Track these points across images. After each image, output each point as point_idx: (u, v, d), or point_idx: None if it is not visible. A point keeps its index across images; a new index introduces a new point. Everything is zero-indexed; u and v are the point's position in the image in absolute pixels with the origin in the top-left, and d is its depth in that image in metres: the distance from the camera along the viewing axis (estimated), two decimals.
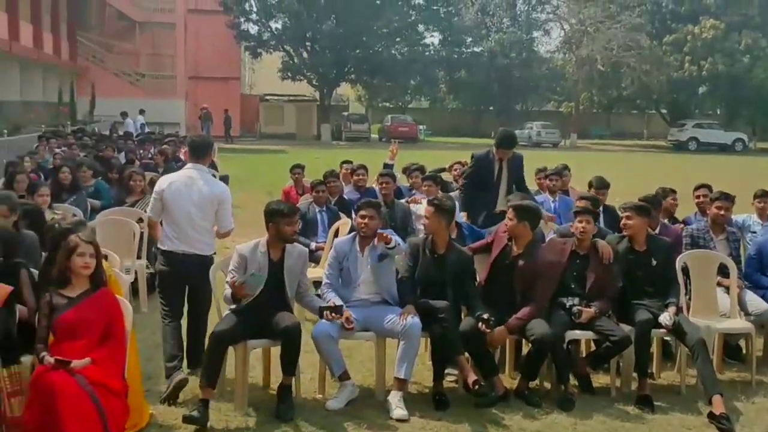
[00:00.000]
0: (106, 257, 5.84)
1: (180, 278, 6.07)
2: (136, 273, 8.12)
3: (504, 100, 55.91)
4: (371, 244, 6.01)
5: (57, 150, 14.75)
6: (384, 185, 8.95)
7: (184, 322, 6.20)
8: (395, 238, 5.98)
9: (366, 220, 6.01)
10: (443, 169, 11.24)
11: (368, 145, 43.13)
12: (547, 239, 6.95)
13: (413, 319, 5.72)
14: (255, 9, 47.48)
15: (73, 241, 4.85)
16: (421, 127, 51.39)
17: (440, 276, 6.05)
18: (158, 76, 41.30)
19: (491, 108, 58.52)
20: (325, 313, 5.65)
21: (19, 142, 18.24)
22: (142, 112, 31.00)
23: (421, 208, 8.95)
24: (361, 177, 10.10)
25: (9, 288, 4.58)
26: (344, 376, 5.78)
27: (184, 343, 6.03)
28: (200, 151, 6.25)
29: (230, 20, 45.64)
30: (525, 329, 5.86)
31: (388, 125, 49.83)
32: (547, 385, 6.17)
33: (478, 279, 6.26)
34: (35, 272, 5.24)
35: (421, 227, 8.65)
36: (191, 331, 6.25)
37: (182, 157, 16.05)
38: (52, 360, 4.45)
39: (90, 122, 30.43)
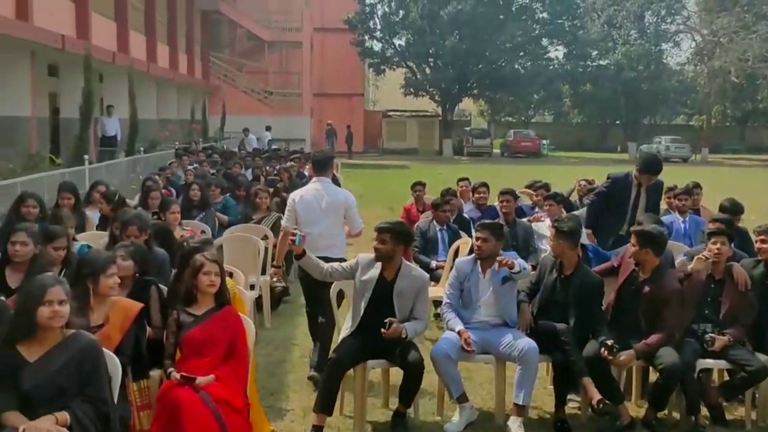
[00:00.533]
0: (230, 275, 6.01)
1: (315, 280, 6.27)
2: (260, 289, 8.31)
3: (631, 114, 54.41)
4: (493, 266, 5.89)
5: (189, 167, 15.31)
6: (504, 203, 8.80)
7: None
8: (519, 263, 5.85)
9: (479, 243, 5.91)
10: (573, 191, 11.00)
11: (490, 161, 42.92)
12: (677, 261, 6.66)
13: (530, 344, 5.59)
14: (379, 27, 48.22)
15: (198, 260, 4.99)
16: (544, 141, 50.71)
17: (564, 297, 5.91)
18: (285, 94, 42.43)
19: (617, 122, 57.13)
20: None
21: (153, 160, 19.07)
22: (268, 128, 31.89)
23: (542, 226, 8.78)
24: (482, 195, 9.97)
25: (140, 305, 4.74)
26: (462, 399, 5.67)
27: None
28: (322, 165, 6.92)
29: (355, 38, 46.48)
30: (653, 357, 5.61)
31: (511, 140, 49.50)
32: (676, 415, 5.89)
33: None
34: (165, 289, 5.42)
35: (543, 246, 8.54)
36: (320, 332, 6.52)
37: (306, 173, 16.40)
38: (178, 376, 4.59)
39: (220, 139, 31.52)
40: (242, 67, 42.43)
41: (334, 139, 40.70)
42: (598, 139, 56.97)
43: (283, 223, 7.01)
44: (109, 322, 4.57)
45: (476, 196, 10.02)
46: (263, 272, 8.44)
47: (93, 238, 7.33)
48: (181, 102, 32.34)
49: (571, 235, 5.95)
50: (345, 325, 5.89)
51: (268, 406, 5.82)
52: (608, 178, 8.29)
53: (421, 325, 5.72)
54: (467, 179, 11.32)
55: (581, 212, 9.44)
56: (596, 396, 5.48)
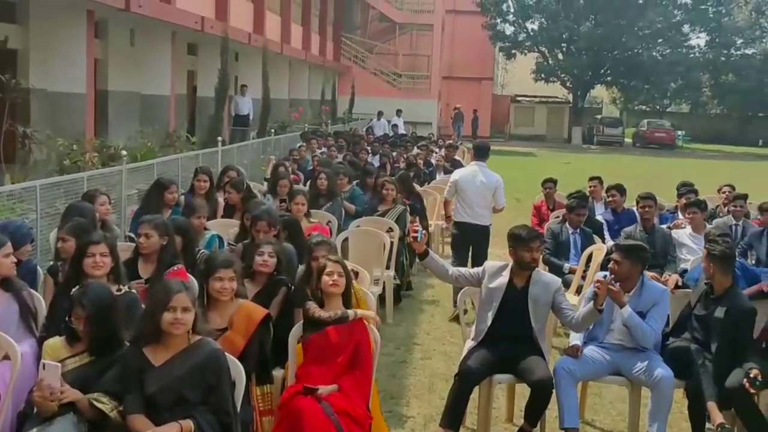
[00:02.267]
0: (356, 275, 5.90)
1: (466, 240, 8.61)
2: (384, 284, 8.20)
3: None
4: (632, 291, 5.45)
5: (317, 151, 15.38)
6: (646, 209, 8.26)
7: None
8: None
9: (612, 264, 5.50)
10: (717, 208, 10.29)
11: (621, 151, 41.58)
12: None
13: (665, 372, 5.19)
14: (512, 10, 47.39)
15: (322, 261, 4.91)
16: (679, 132, 48.61)
17: (709, 317, 5.45)
18: (414, 76, 42.28)
19: (760, 114, 54.11)
20: None
21: (284, 141, 19.29)
22: (399, 112, 31.75)
23: (683, 234, 8.29)
24: (613, 198, 9.48)
25: (265, 311, 4.67)
26: None
27: None
28: (481, 152, 8.91)
29: (486, 21, 45.84)
30: None
31: (644, 130, 47.67)
32: None
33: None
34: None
35: (682, 256, 8.05)
36: None
37: (433, 162, 16.20)
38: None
39: (349, 120, 31.68)
40: (372, 48, 42.50)
41: (461, 124, 40.26)
42: (738, 132, 54.07)
43: (444, 194, 9.10)
44: (233, 327, 4.52)
45: (610, 199, 9.55)
46: (387, 266, 8.35)
47: (223, 227, 7.41)
48: (312, 82, 32.69)
49: (722, 259, 5.47)
50: (469, 336, 5.68)
51: (388, 411, 5.70)
52: None
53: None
54: (598, 178, 10.77)
55: (726, 220, 8.92)
56: (718, 419, 5.04)
